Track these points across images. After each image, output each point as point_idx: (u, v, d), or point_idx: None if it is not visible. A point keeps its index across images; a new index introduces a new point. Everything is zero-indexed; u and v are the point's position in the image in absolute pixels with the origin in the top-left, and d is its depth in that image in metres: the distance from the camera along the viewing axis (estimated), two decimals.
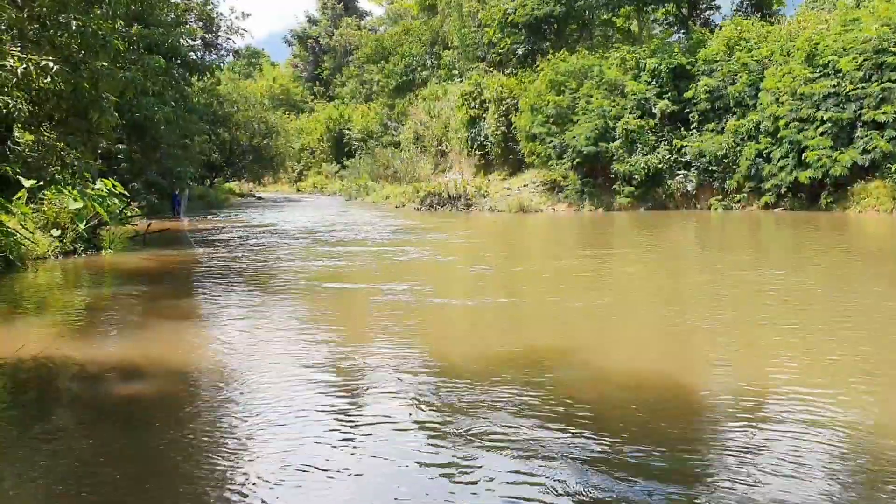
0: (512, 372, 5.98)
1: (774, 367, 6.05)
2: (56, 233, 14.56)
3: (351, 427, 4.83)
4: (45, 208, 14.76)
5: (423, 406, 5.23)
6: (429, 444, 4.51)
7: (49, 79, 10.03)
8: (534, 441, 4.46)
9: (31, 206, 14.49)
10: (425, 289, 10.20)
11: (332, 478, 4.07)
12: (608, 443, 4.42)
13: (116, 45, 11.10)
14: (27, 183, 14.04)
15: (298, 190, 63.48)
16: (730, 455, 4.25)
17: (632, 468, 4.06)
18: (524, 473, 4.03)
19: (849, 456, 4.24)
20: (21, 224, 13.72)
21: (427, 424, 4.86)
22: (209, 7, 35.37)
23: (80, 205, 14.71)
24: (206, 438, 4.73)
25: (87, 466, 4.36)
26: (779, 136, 24.17)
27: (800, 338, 7.11)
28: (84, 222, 14.92)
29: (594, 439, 4.48)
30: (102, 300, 10.37)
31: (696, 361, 6.53)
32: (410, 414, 5.07)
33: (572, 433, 4.57)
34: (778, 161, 24.12)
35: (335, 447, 4.49)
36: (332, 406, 5.30)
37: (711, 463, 4.19)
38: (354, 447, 4.49)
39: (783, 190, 24.06)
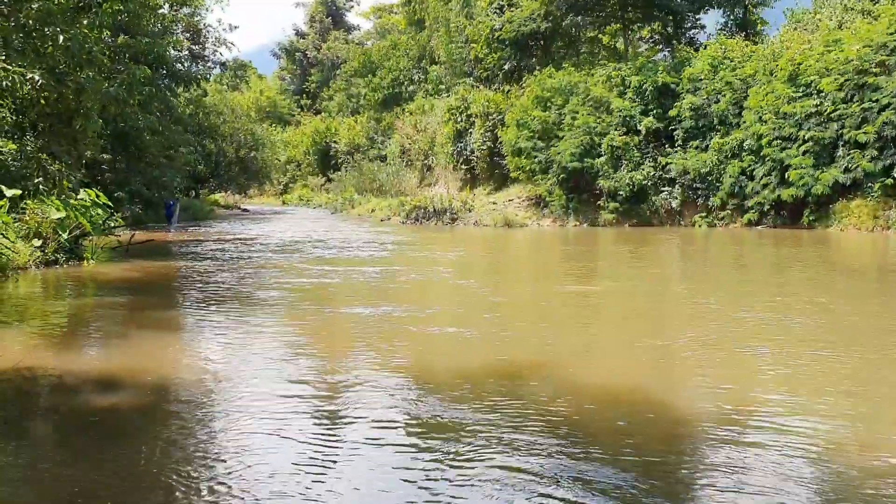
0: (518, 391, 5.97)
1: (761, 384, 6.09)
2: (37, 243, 14.42)
3: (333, 441, 4.80)
4: (27, 218, 14.63)
5: (413, 427, 5.21)
6: (414, 462, 4.49)
7: (34, 89, 10.00)
8: (525, 457, 4.45)
9: (13, 215, 14.36)
10: (420, 312, 10.17)
11: (311, 489, 4.05)
12: (598, 460, 4.42)
13: (102, 59, 11.08)
14: (9, 192, 13.93)
15: (284, 202, 63.39)
16: (713, 471, 4.26)
17: (618, 484, 4.06)
18: (509, 489, 4.02)
19: (833, 472, 4.26)
20: (2, 234, 13.59)
21: (415, 444, 4.84)
22: (196, 18, 35.40)
23: (62, 214, 14.60)
24: (186, 451, 4.69)
25: (64, 480, 4.31)
26: (762, 154, 24.44)
27: (787, 356, 7.14)
28: (66, 232, 14.81)
29: (588, 456, 4.48)
30: (82, 311, 10.28)
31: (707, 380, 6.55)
32: (397, 431, 5.05)
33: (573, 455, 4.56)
34: (761, 179, 24.38)
35: (316, 460, 4.46)
36: (314, 420, 5.27)
37: (695, 479, 4.19)
38: (335, 460, 4.46)
39: (766, 208, 24.31)
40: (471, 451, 4.55)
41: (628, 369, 6.76)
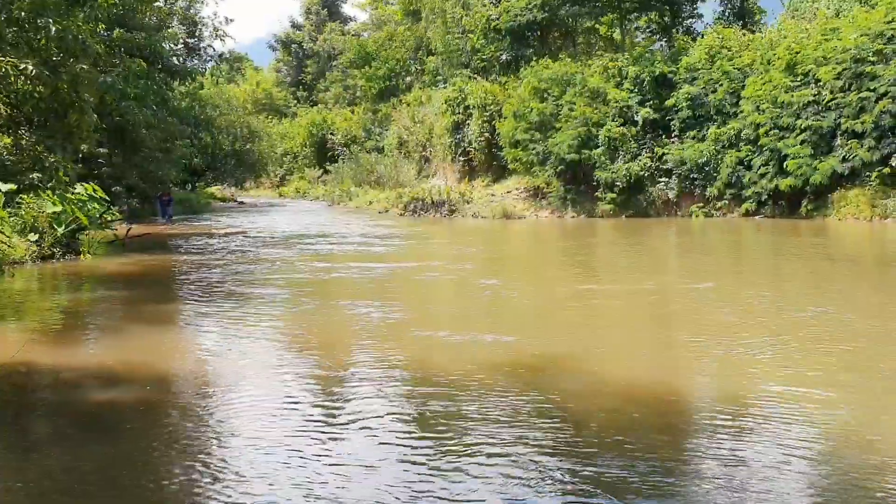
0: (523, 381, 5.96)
1: (766, 375, 6.08)
2: (34, 237, 14.39)
3: (333, 436, 4.78)
4: (23, 212, 14.58)
5: (414, 422, 5.19)
6: (416, 458, 4.48)
7: (28, 81, 9.95)
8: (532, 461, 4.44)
9: (9, 209, 14.31)
10: (435, 309, 10.13)
11: (312, 484, 4.03)
12: (603, 456, 4.42)
13: (97, 49, 11.00)
14: (5, 187, 13.87)
15: (281, 195, 63.15)
16: (717, 463, 4.26)
17: (624, 480, 4.06)
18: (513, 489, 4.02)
19: (835, 463, 4.26)
20: None
21: (418, 439, 4.83)
22: (192, 11, 35.23)
23: (58, 209, 14.56)
24: (185, 446, 4.67)
25: (62, 476, 4.29)
26: (759, 143, 24.37)
27: (794, 348, 7.12)
28: (63, 226, 14.76)
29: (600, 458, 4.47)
30: (79, 305, 10.26)
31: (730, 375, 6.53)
32: (399, 427, 5.03)
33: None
34: (758, 169, 24.32)
35: (317, 456, 4.44)
36: (315, 414, 5.25)
37: (700, 470, 4.19)
38: (336, 456, 4.45)
39: (764, 197, 24.25)
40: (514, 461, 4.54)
41: (686, 375, 6.65)
